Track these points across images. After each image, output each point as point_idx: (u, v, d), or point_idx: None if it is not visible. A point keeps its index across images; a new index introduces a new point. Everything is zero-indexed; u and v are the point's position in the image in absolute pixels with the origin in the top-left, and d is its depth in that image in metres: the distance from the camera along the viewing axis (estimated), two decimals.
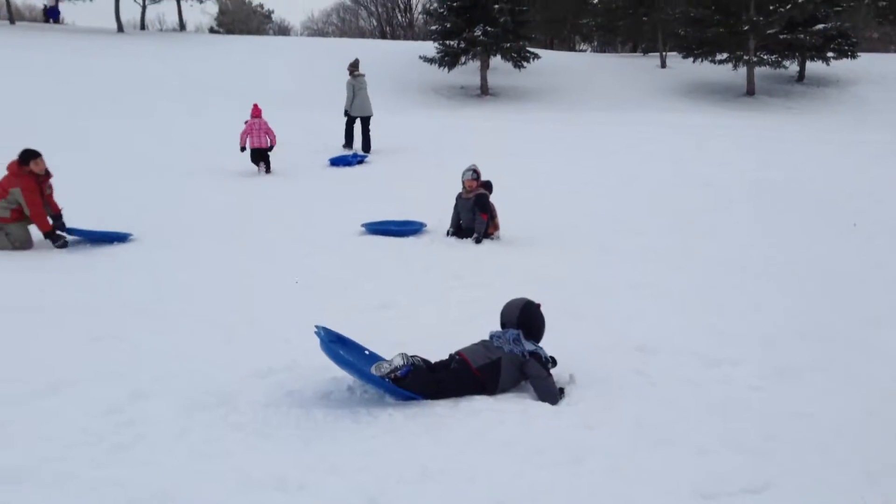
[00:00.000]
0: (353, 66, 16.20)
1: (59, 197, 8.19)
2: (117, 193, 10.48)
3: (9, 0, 34.14)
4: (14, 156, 7.81)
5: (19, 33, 29.27)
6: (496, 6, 27.71)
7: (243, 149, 13.29)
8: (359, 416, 4.14)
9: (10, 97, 18.38)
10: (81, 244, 8.01)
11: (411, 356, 4.38)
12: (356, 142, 16.02)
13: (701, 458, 3.62)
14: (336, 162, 14.42)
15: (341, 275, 7.13)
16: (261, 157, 13.24)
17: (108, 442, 3.69)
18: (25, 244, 7.85)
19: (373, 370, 4.27)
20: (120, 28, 34.21)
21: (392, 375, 4.27)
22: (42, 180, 7.92)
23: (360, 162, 14.58)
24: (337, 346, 4.50)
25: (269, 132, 13.31)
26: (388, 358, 4.51)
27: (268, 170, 13.26)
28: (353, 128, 16.00)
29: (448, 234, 8.84)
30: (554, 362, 4.76)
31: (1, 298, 6.05)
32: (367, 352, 4.72)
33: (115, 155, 13.59)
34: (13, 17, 34.21)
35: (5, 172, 7.83)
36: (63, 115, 16.86)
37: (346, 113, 15.95)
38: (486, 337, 4.74)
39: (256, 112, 13.51)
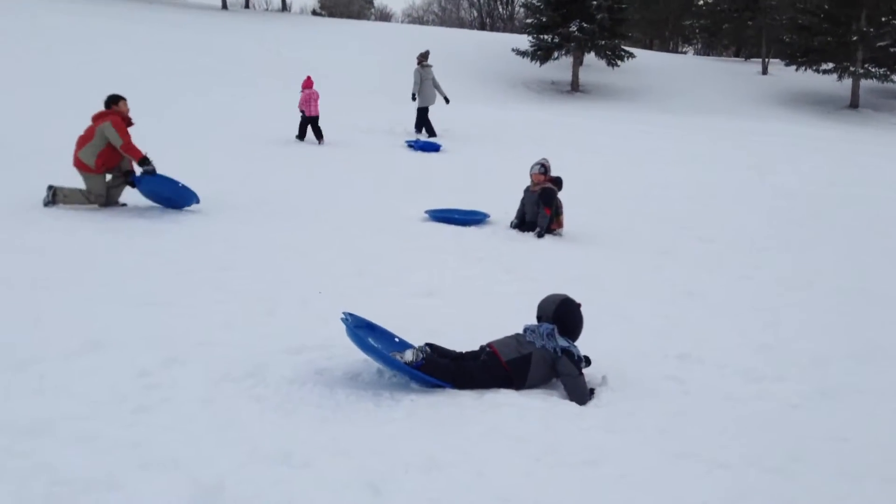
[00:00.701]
0: (423, 57, 16.78)
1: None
2: (200, 161, 10.77)
3: None
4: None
5: (126, 5, 30.35)
6: (594, 2, 27.37)
7: (303, 113, 14.33)
8: (381, 399, 4.14)
9: (113, 67, 19.14)
10: (150, 210, 8.24)
11: (424, 348, 4.35)
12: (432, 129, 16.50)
13: (719, 474, 3.49)
14: (422, 146, 14.88)
15: (395, 259, 7.16)
16: (313, 125, 14.23)
17: (132, 403, 3.80)
18: (99, 198, 8.02)
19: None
20: (224, 5, 35.16)
21: (411, 366, 4.26)
22: (127, 124, 8.13)
23: (436, 150, 14.85)
24: (365, 332, 4.51)
25: (317, 102, 14.30)
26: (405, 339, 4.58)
27: (320, 138, 14.32)
28: (426, 116, 16.50)
29: (511, 225, 8.79)
30: (588, 362, 4.67)
31: (60, 258, 6.28)
32: (396, 339, 4.71)
33: (201, 124, 14.03)
34: None
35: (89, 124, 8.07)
36: (161, 86, 17.47)
37: (414, 98, 16.61)
38: (521, 330, 4.68)
39: (308, 83, 14.44)
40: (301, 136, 14.46)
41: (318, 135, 14.36)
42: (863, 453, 3.80)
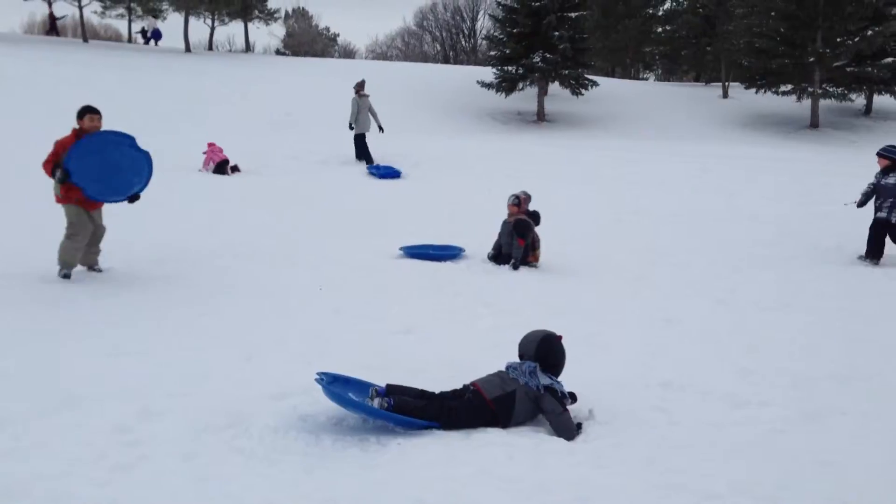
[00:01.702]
0: (360, 86, 17.63)
1: None
2: (163, 200, 10.65)
3: (82, 20, 35.32)
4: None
5: (88, 51, 30.23)
6: (556, 33, 27.69)
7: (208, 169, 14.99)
8: (368, 444, 4.09)
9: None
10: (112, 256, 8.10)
11: (386, 398, 4.30)
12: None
13: None
14: (383, 174, 15.70)
15: (371, 297, 7.11)
16: (226, 165, 14.99)
17: (110, 461, 3.71)
18: (80, 231, 6.98)
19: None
20: (188, 48, 35.12)
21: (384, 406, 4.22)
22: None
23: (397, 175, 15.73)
24: (342, 386, 4.46)
25: (222, 150, 15.22)
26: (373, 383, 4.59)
27: (234, 170, 15.02)
28: (364, 143, 17.21)
29: (488, 257, 8.78)
30: (573, 398, 4.64)
31: (28, 310, 6.17)
32: (375, 388, 4.67)
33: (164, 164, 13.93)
34: (86, 35, 35.40)
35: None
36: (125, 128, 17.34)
37: (351, 126, 17.24)
38: (503, 367, 4.65)
39: (211, 146, 15.32)
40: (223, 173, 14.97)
41: (233, 168, 15.08)
42: (850, 476, 3.80)
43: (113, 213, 7.67)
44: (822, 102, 28.81)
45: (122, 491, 3.42)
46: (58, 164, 6.77)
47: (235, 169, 15.13)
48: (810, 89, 28.18)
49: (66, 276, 6.96)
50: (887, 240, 9.07)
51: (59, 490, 3.38)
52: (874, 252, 9.10)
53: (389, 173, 15.75)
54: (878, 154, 9.42)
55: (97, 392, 4.50)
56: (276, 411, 4.41)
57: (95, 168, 6.90)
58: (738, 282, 8.08)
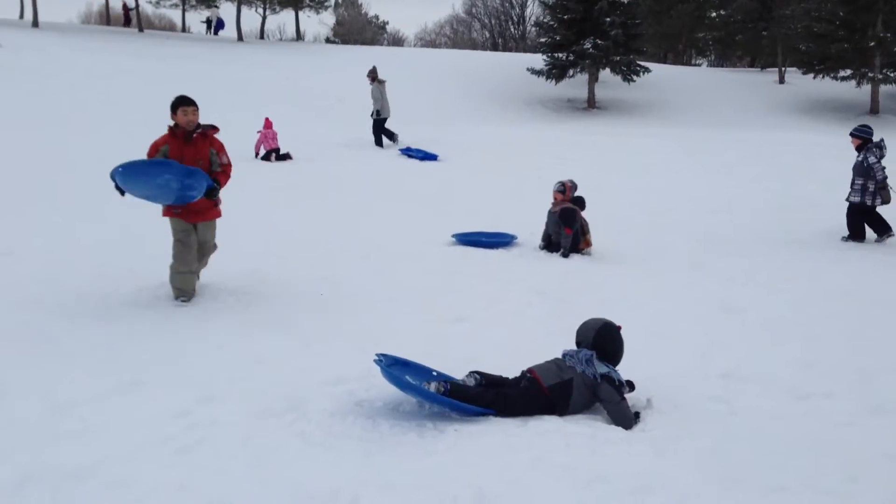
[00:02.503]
0: (375, 73, 17.89)
1: None
2: None
3: (138, 9, 35.90)
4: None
5: (142, 41, 30.73)
6: (607, 19, 27.35)
7: (257, 155, 15.32)
8: (425, 430, 4.08)
9: (131, 103, 19.32)
10: None
11: (443, 382, 4.32)
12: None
13: (774, 498, 3.40)
14: (418, 155, 16.25)
15: (424, 285, 7.11)
16: (275, 153, 15.32)
17: (173, 444, 3.77)
18: (184, 240, 6.19)
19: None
20: (240, 37, 35.48)
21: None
22: (194, 139, 6.09)
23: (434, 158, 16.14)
24: (401, 369, 4.47)
25: (276, 138, 15.46)
26: (456, 377, 4.58)
27: (286, 157, 15.28)
28: (384, 126, 17.78)
29: (539, 247, 8.73)
30: (631, 387, 4.58)
31: (87, 300, 6.29)
32: (434, 373, 4.66)
33: None
34: (141, 25, 35.96)
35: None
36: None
37: (379, 114, 17.63)
38: (560, 355, 4.61)
39: (268, 124, 15.58)
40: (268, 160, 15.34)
41: (285, 156, 15.37)
42: None
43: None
44: (883, 88, 28.06)
45: (188, 474, 3.47)
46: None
47: (287, 156, 15.32)
48: (870, 74, 27.46)
49: (185, 303, 6.17)
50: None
51: (129, 473, 3.45)
52: (855, 236, 9.34)
53: (428, 156, 16.14)
54: (851, 134, 9.82)
55: (158, 378, 4.58)
56: (333, 396, 4.45)
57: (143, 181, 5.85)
58: (798, 271, 7.89)
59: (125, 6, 38.84)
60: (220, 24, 39.94)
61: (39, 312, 5.76)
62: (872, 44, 26.79)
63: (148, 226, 7.59)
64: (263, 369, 4.84)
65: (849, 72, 28.34)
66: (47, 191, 10.65)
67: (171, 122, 6.13)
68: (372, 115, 17.72)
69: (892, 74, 27.69)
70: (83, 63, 23.67)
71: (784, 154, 17.24)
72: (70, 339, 5.23)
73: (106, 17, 42.87)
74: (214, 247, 6.53)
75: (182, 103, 6.11)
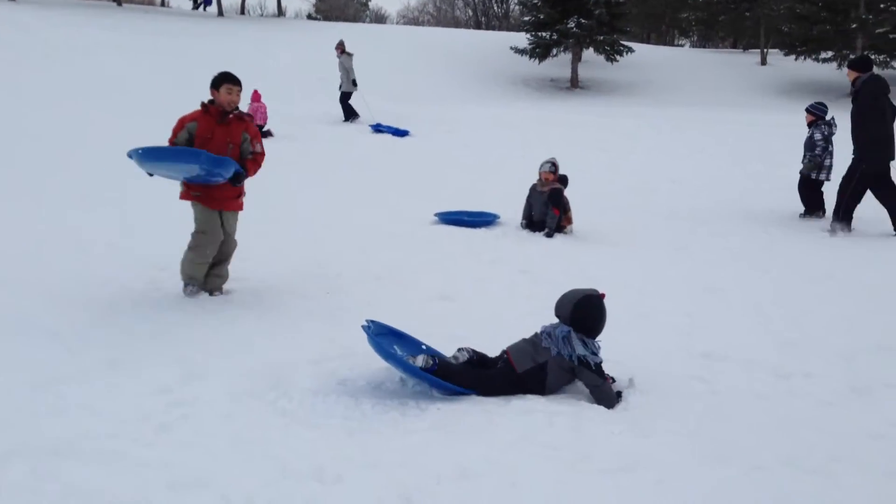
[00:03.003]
0: (343, 46, 18.33)
1: None
2: None
3: None
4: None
5: (121, 14, 30.29)
6: None
7: None
8: (407, 408, 4.07)
9: (110, 77, 19.08)
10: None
11: (431, 357, 4.28)
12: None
13: (757, 476, 3.40)
14: (389, 130, 16.53)
15: (408, 264, 7.09)
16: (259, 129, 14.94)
17: (155, 421, 3.73)
18: (208, 237, 5.69)
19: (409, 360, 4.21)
20: (220, 12, 35.09)
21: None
22: (229, 120, 5.62)
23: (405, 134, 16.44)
24: (389, 339, 4.44)
25: (265, 115, 15.55)
26: (446, 354, 4.55)
27: (268, 133, 15.23)
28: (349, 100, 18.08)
29: (522, 226, 8.72)
30: (619, 396, 4.32)
31: (73, 278, 6.22)
32: (423, 346, 4.64)
33: None
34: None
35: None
36: (157, 92, 17.40)
37: (355, 83, 17.95)
38: (539, 329, 4.55)
39: (256, 97, 15.71)
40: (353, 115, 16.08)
41: (266, 134, 15.31)
42: None
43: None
44: None
45: (171, 451, 3.44)
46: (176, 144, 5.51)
47: (268, 133, 15.22)
48: (851, 56, 27.57)
49: (192, 293, 5.75)
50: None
51: (111, 450, 3.41)
52: (810, 207, 9.53)
53: (399, 132, 16.33)
54: (805, 110, 10.22)
55: (140, 356, 4.54)
56: (315, 375, 4.43)
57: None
58: (780, 251, 7.92)
59: None
60: (207, 1, 39.48)
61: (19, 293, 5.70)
62: (854, 26, 26.91)
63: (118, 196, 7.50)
64: (246, 348, 4.81)
65: (830, 53, 28.45)
66: (22, 169, 10.50)
67: (206, 100, 5.61)
68: (340, 88, 18.05)
69: (874, 57, 27.80)
70: (58, 35, 23.31)
71: (767, 135, 17.29)
72: (49, 317, 5.16)
73: None
74: (234, 243, 5.97)
75: (227, 80, 5.58)
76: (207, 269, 5.82)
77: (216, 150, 5.42)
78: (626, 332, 5.22)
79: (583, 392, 4.35)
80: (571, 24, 27.18)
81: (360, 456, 3.48)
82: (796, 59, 30.02)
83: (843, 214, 8.73)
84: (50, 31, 23.84)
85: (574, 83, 28.13)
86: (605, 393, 4.22)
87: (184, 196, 5.71)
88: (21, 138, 12.48)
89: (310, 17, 56.03)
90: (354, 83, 17.86)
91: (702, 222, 9.35)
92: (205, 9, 38.39)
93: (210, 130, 5.50)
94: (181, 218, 6.27)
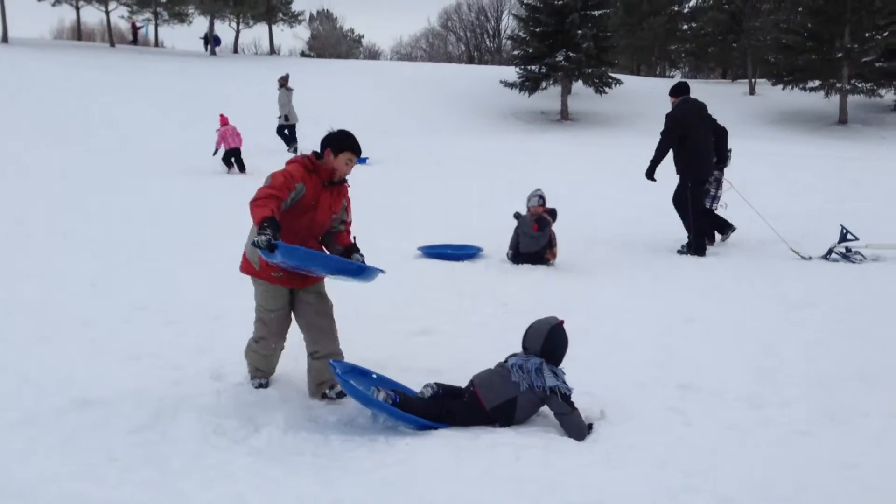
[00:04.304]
0: (286, 80, 19.28)
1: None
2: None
3: (109, 24, 35.73)
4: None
5: (114, 55, 30.57)
6: (579, 31, 27.59)
7: (216, 153, 15.95)
8: (376, 444, 4.05)
9: (104, 116, 19.22)
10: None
11: (391, 392, 4.28)
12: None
13: None
14: None
15: (389, 298, 7.07)
16: (236, 157, 15.91)
17: (122, 462, 3.72)
18: (272, 325, 4.76)
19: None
20: (212, 51, 35.39)
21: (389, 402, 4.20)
22: (335, 184, 4.70)
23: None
24: (351, 376, 4.43)
25: (239, 135, 15.87)
26: (395, 380, 4.66)
27: (241, 169, 15.88)
28: (294, 131, 19.03)
29: (508, 257, 8.71)
30: (589, 428, 4.31)
31: (48, 313, 6.21)
32: (374, 375, 4.63)
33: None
34: (113, 40, 35.79)
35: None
36: (147, 130, 17.56)
37: (286, 120, 18.94)
38: (505, 359, 4.52)
39: (224, 121, 16.03)
40: (228, 165, 15.99)
41: (241, 166, 15.97)
42: (874, 480, 3.67)
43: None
44: (851, 98, 28.45)
45: (134, 492, 3.43)
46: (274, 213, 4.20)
47: (242, 168, 15.85)
48: (838, 85, 27.85)
49: (262, 386, 4.85)
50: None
51: (74, 492, 3.40)
52: (709, 234, 9.73)
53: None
54: None
55: (110, 394, 4.52)
56: (287, 412, 4.41)
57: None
58: (763, 280, 7.92)
59: (134, 25, 39.01)
60: (216, 41, 39.99)
61: None
62: (840, 55, 27.19)
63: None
64: (217, 384, 4.79)
65: (817, 83, 28.71)
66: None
67: (314, 156, 4.65)
68: (279, 119, 18.81)
69: (859, 85, 28.08)
70: (53, 77, 23.51)
71: (753, 164, 17.38)
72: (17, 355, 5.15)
73: (77, 33, 42.63)
74: (329, 305, 4.90)
75: (353, 150, 4.66)
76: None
77: (318, 219, 4.64)
78: (602, 364, 5.24)
79: (553, 424, 4.33)
80: (560, 58, 27.48)
81: (325, 494, 3.47)
82: (784, 88, 30.28)
83: (696, 237, 9.21)
84: (45, 72, 24.06)
85: (564, 115, 28.35)
86: (574, 423, 4.20)
87: (256, 272, 4.63)
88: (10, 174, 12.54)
89: (303, 54, 56.57)
90: (286, 118, 18.97)
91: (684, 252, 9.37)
92: (213, 50, 38.92)
93: (317, 195, 4.58)
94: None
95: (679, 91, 9.68)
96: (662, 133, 9.29)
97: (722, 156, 9.83)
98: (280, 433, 4.13)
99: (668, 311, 6.83)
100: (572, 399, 4.30)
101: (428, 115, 26.34)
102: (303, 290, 4.72)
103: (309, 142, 17.35)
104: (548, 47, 28.16)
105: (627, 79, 31.78)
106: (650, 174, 9.34)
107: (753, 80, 33.80)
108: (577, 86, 29.99)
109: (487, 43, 67.59)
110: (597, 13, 28.68)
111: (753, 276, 8.12)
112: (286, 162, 4.66)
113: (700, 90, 33.39)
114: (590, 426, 4.27)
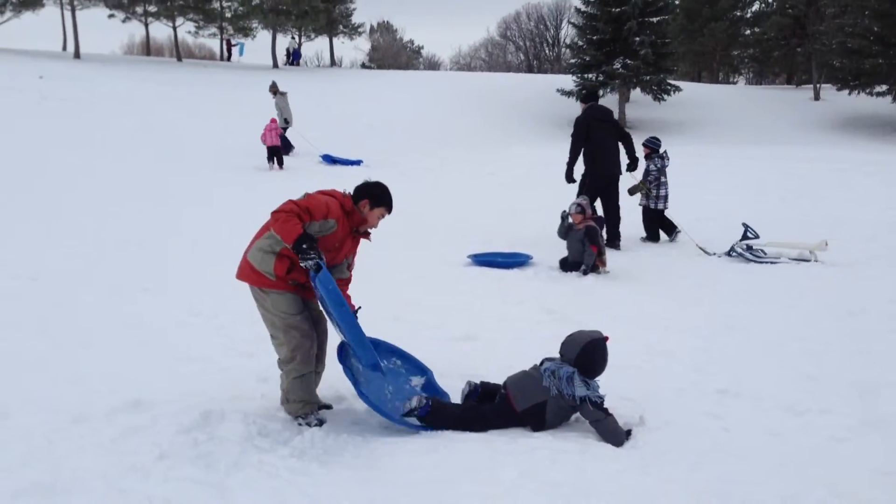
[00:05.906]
0: (276, 87, 19.83)
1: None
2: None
3: (176, 40, 36.77)
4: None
5: (178, 69, 31.46)
6: (637, 39, 27.39)
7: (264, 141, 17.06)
8: (414, 446, 4.13)
9: (168, 130, 19.82)
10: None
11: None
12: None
13: None
14: (338, 161, 18.16)
15: (437, 303, 7.18)
16: (276, 154, 17.11)
17: (171, 460, 3.87)
18: (298, 339, 4.45)
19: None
20: (275, 64, 36.11)
21: (414, 414, 4.31)
22: (357, 238, 4.69)
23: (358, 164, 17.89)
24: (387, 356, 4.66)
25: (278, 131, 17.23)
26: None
27: (280, 165, 17.06)
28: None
29: (560, 263, 8.74)
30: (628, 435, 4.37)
31: (102, 316, 6.49)
32: (395, 360, 4.90)
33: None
34: (180, 55, 36.81)
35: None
36: (210, 143, 18.03)
37: (286, 122, 19.40)
38: (540, 362, 4.61)
39: (273, 122, 17.53)
40: (272, 160, 17.06)
41: (280, 162, 17.13)
42: None
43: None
44: None
45: (180, 489, 3.58)
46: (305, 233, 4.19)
47: (281, 163, 17.06)
48: None
49: (319, 424, 4.46)
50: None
51: (120, 487, 3.56)
52: (651, 235, 10.66)
53: (352, 162, 17.89)
54: (643, 144, 10.96)
55: (160, 397, 4.71)
56: (329, 415, 4.55)
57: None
58: (811, 288, 7.79)
59: (229, 42, 40.36)
60: (296, 55, 41.14)
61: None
62: None
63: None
64: (264, 387, 4.94)
65: (884, 87, 27.97)
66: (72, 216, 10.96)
67: (350, 201, 4.53)
68: (282, 125, 19.01)
69: None
70: (121, 91, 24.31)
71: (815, 171, 17.08)
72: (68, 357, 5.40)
73: (146, 48, 43.97)
74: (326, 333, 4.79)
75: (388, 206, 4.65)
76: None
77: (335, 260, 4.58)
78: (644, 371, 5.27)
79: (592, 429, 4.38)
80: (617, 66, 27.32)
81: (361, 492, 3.57)
82: (850, 93, 29.58)
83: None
84: (112, 86, 24.89)
85: (622, 123, 28.14)
86: (609, 428, 4.24)
87: (269, 283, 4.40)
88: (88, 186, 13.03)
89: (364, 65, 57.25)
90: (287, 121, 19.42)
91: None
92: (296, 62, 40.08)
93: (343, 237, 4.51)
94: None
95: (588, 98, 10.59)
96: (572, 136, 10.14)
97: (632, 158, 10.30)
98: (322, 435, 4.26)
99: (711, 317, 6.79)
100: (605, 406, 4.34)
101: (484, 123, 26.47)
102: (310, 301, 4.64)
103: (366, 151, 17.69)
104: (605, 55, 28.03)
105: (687, 85, 31.43)
106: (569, 177, 10.19)
107: (818, 86, 33.05)
108: (636, 93, 29.78)
109: (547, 52, 67.46)
110: (655, 20, 28.44)
111: (800, 282, 8.01)
112: (321, 191, 4.56)
113: (762, 96, 32.97)
114: (628, 432, 4.30)
